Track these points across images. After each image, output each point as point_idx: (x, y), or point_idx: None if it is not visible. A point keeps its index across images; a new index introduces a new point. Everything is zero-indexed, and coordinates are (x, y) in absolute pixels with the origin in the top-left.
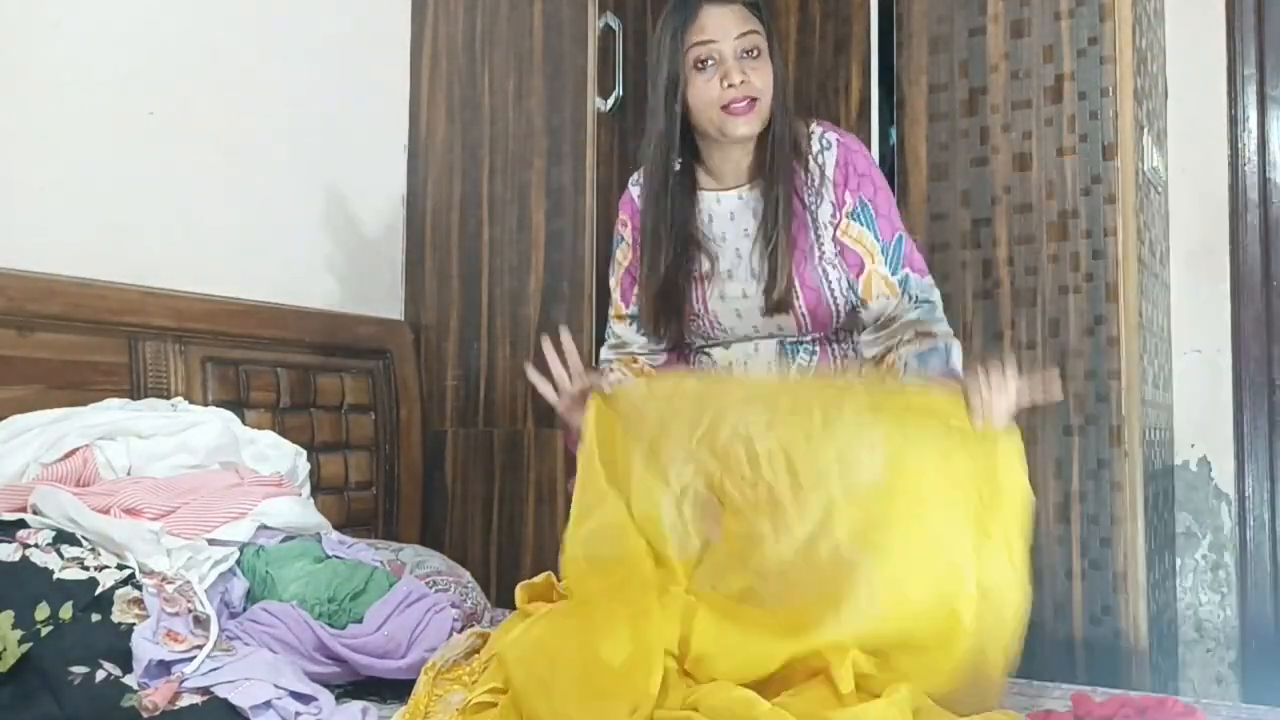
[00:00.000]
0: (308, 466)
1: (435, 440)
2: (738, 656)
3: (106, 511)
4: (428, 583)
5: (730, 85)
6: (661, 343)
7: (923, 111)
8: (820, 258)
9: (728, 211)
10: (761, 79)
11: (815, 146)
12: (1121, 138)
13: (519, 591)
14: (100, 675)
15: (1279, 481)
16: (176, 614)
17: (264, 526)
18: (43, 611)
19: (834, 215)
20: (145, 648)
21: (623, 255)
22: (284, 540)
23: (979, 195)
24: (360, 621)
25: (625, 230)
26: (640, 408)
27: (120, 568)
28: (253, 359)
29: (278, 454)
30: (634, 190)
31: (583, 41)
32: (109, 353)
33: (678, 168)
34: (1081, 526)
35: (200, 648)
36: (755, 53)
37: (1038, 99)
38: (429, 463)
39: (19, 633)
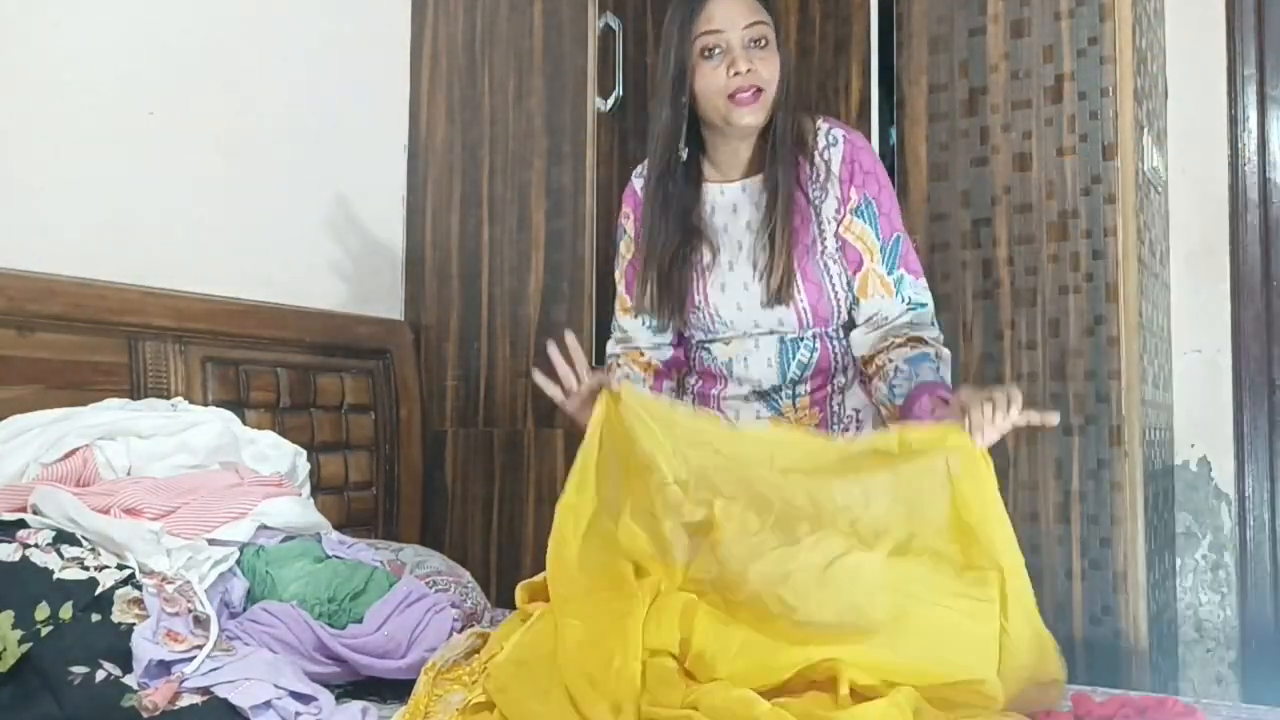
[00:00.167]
0: (308, 466)
1: (435, 440)
2: (741, 659)
3: (106, 511)
4: (428, 583)
5: (736, 74)
6: (667, 335)
7: (923, 111)
8: (822, 252)
9: (730, 203)
10: (768, 69)
11: (822, 142)
12: (1121, 138)
13: (519, 591)
14: (100, 675)
15: (1279, 481)
16: (176, 614)
17: (264, 526)
18: (43, 611)
19: (838, 211)
20: (145, 648)
21: (626, 248)
22: (284, 540)
23: (979, 195)
24: (360, 621)
25: (628, 223)
26: (650, 411)
27: (120, 568)
28: (253, 359)
29: (278, 454)
30: (637, 183)
31: (583, 41)
32: (109, 353)
33: (684, 157)
34: (1081, 526)
35: (200, 648)
36: (763, 42)
37: (1038, 99)
38: (429, 463)
39: (19, 633)
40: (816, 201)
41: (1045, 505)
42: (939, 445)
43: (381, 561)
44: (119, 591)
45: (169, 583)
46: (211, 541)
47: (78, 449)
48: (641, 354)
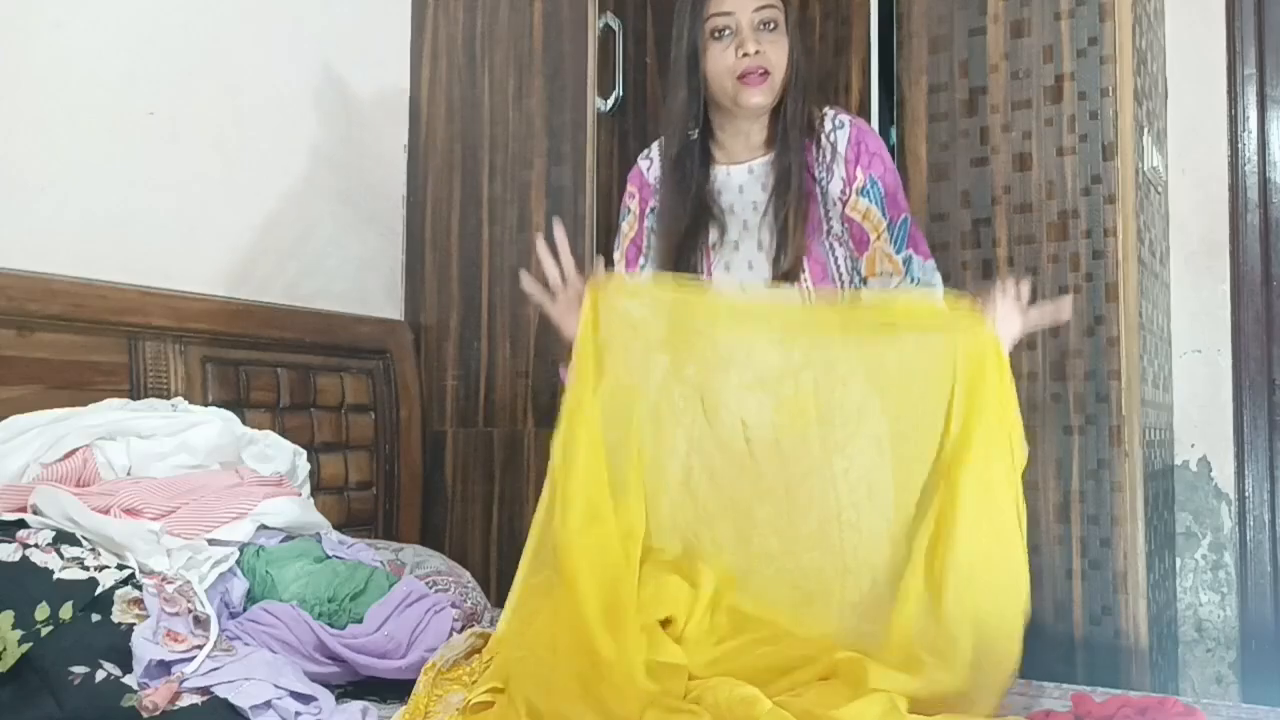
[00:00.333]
0: (308, 466)
1: (435, 440)
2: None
3: (106, 511)
4: (428, 583)
5: (745, 55)
6: None
7: (923, 111)
8: (828, 233)
9: (737, 184)
10: (777, 52)
11: (828, 125)
12: (1121, 138)
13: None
14: (100, 675)
15: (1279, 481)
16: (176, 614)
17: (264, 526)
18: (43, 611)
19: (844, 191)
20: (145, 648)
21: (629, 227)
22: (284, 540)
23: (979, 195)
24: (360, 621)
25: (633, 202)
26: (637, 299)
27: (120, 568)
28: (253, 359)
29: (278, 454)
30: (643, 164)
31: (583, 41)
32: (109, 353)
33: (694, 136)
34: (1081, 526)
35: (200, 648)
36: (772, 25)
37: (1038, 99)
38: (429, 463)
39: (19, 633)
40: (823, 182)
41: (1045, 505)
42: (947, 323)
43: (381, 561)
44: (119, 591)
45: (169, 583)
46: (211, 541)
47: (78, 449)
48: None
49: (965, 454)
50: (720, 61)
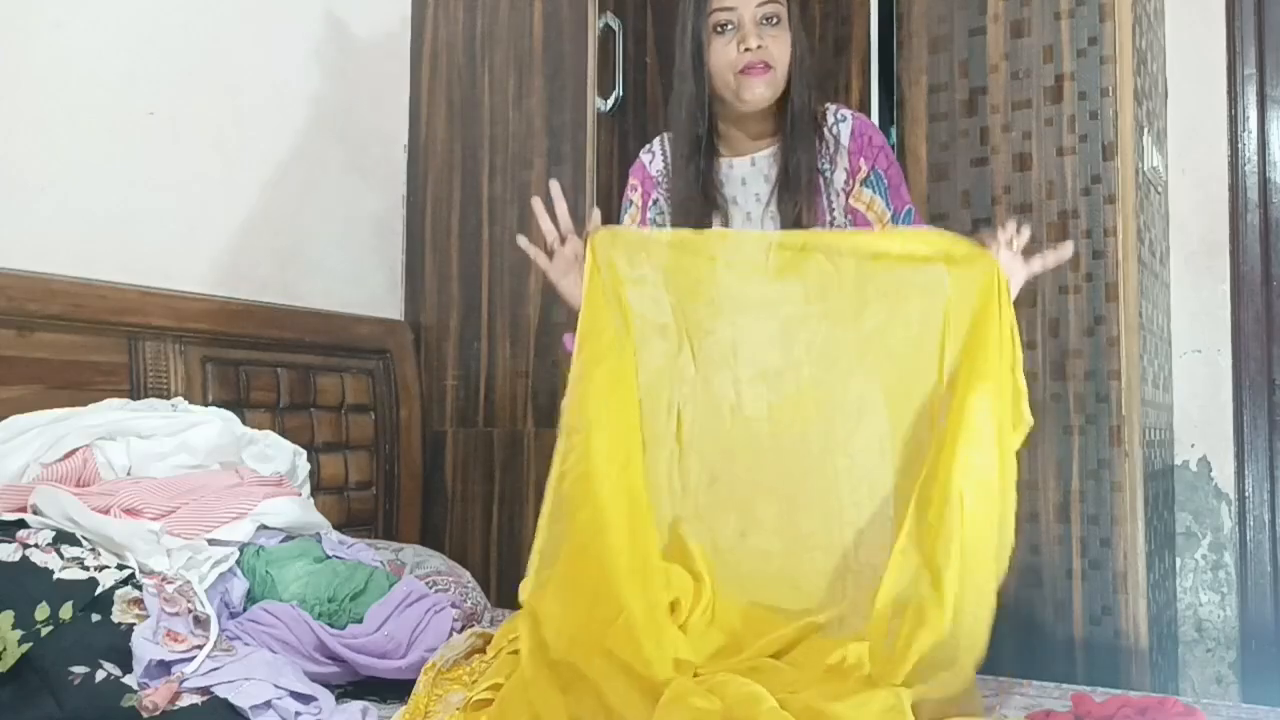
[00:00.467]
0: (308, 466)
1: (435, 440)
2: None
3: (106, 511)
4: (428, 583)
5: (747, 50)
6: None
7: (923, 111)
8: (831, 224)
9: (739, 176)
10: (779, 47)
11: (830, 119)
12: (1121, 138)
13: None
14: (100, 675)
15: (1279, 481)
16: (176, 614)
17: (264, 526)
18: (43, 611)
19: (847, 182)
20: (145, 648)
21: (630, 220)
22: (284, 540)
23: (979, 195)
24: (360, 622)
25: (635, 195)
26: (635, 248)
27: (120, 568)
28: (253, 359)
29: (278, 454)
30: (645, 158)
31: (583, 41)
32: (109, 353)
33: (701, 132)
34: (1081, 526)
35: (200, 648)
36: (775, 20)
37: (1038, 99)
38: (429, 463)
39: (19, 633)
40: (826, 173)
41: (1045, 505)
42: (944, 253)
43: (381, 561)
44: (119, 591)
45: (169, 583)
46: (211, 541)
47: (78, 449)
48: None
49: (960, 403)
50: (722, 56)
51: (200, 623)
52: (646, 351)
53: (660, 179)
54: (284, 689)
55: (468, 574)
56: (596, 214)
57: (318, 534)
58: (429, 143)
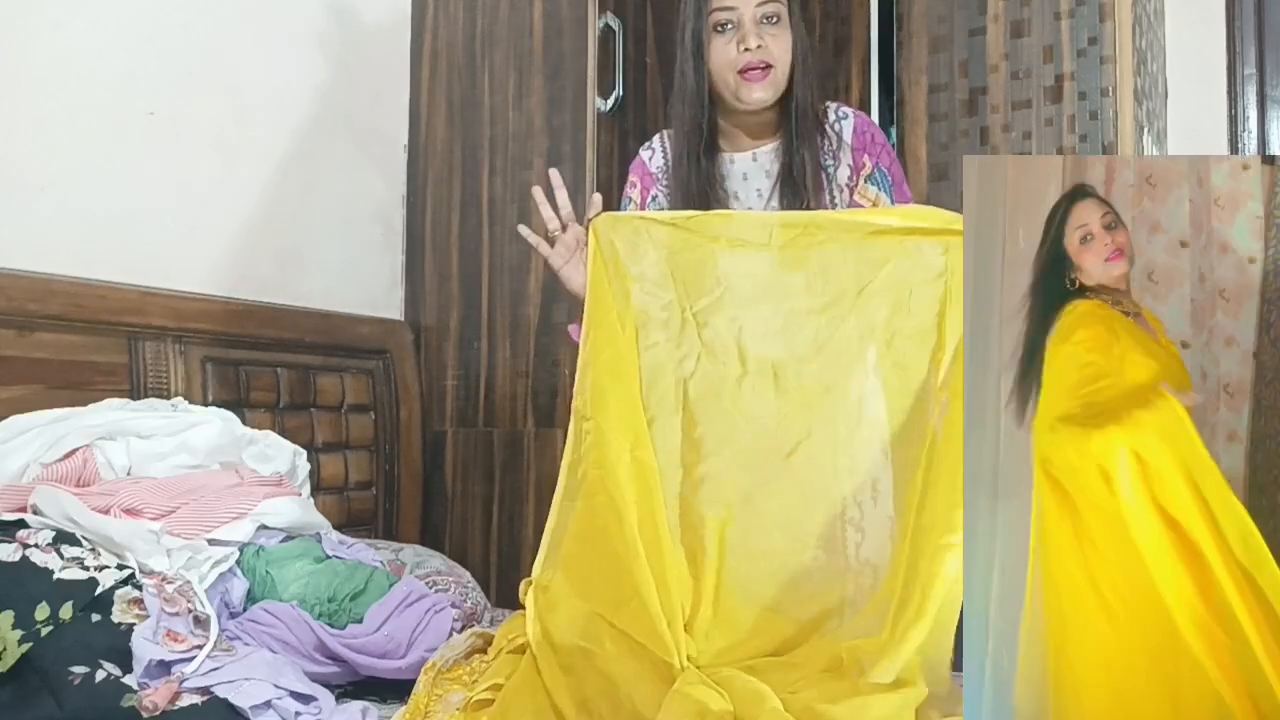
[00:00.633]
0: (308, 466)
1: (435, 440)
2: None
3: (106, 511)
4: (428, 583)
5: (746, 50)
6: None
7: (923, 111)
8: None
9: (741, 171)
10: (779, 46)
11: (832, 116)
12: (1121, 138)
13: (522, 589)
14: (100, 675)
15: None
16: (176, 614)
17: (264, 526)
18: (43, 611)
19: (851, 178)
20: (145, 648)
21: None
22: (284, 540)
23: None
24: (360, 621)
25: (634, 191)
26: (638, 235)
27: (120, 568)
28: (253, 359)
29: (278, 454)
30: (644, 154)
31: (583, 41)
32: (109, 353)
33: (704, 131)
34: None
35: (200, 648)
36: (775, 19)
37: (1038, 99)
38: (429, 463)
39: (19, 633)
40: (829, 169)
41: None
42: (944, 226)
43: (381, 561)
44: (119, 591)
45: (169, 583)
46: (211, 541)
47: (78, 449)
48: None
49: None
50: (722, 56)
51: (200, 623)
52: (649, 332)
53: (660, 175)
54: (284, 689)
55: (468, 574)
56: (598, 199)
57: (318, 534)
58: (429, 142)
